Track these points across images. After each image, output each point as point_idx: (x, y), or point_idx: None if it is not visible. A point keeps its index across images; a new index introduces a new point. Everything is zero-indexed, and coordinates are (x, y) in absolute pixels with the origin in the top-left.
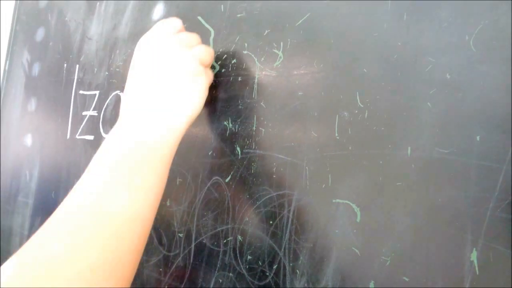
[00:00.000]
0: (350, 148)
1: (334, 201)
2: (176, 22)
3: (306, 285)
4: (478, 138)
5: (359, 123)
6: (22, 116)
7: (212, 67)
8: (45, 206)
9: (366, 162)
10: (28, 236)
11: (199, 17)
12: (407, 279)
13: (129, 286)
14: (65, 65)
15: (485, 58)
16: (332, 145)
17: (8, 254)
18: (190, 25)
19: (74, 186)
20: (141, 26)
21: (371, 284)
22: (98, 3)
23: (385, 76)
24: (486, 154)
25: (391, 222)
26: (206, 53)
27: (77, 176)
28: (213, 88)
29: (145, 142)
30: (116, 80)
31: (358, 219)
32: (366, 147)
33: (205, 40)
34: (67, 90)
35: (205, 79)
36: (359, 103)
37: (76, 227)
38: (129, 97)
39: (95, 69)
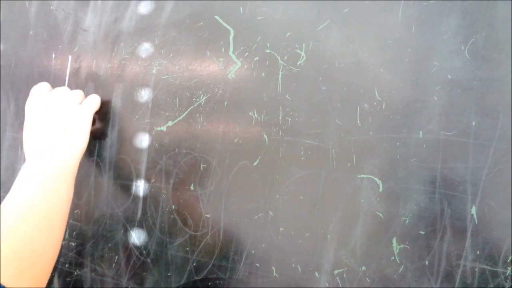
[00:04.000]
0: (371, 133)
1: (359, 176)
2: (45, 85)
3: (337, 246)
4: (473, 123)
5: (378, 113)
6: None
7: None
8: None
9: (386, 144)
10: None
11: (217, 17)
12: (423, 233)
13: (56, 253)
14: (53, 55)
15: (476, 64)
16: (355, 131)
17: None
18: (206, 24)
19: (6, 198)
20: (149, 22)
21: (394, 240)
22: None
23: (399, 75)
24: (480, 135)
25: (408, 190)
26: (75, 96)
27: None
28: (234, 82)
29: (52, 173)
30: (121, 72)
31: (381, 190)
32: (385, 132)
33: (224, 39)
34: (57, 80)
35: (83, 115)
36: (377, 96)
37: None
38: (30, 145)
39: (94, 60)
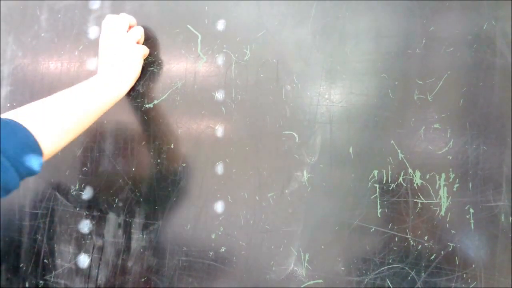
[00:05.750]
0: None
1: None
2: (108, 16)
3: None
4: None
5: (298, 90)
6: None
7: (200, 58)
8: None
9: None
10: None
11: (189, 26)
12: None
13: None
14: (61, 52)
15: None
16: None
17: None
18: (181, 31)
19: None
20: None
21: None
22: None
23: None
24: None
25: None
26: (138, 33)
27: None
28: (201, 72)
29: (109, 87)
30: None
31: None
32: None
33: (194, 41)
34: (66, 76)
35: (139, 52)
36: (295, 80)
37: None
38: (100, 65)
39: (96, 57)
